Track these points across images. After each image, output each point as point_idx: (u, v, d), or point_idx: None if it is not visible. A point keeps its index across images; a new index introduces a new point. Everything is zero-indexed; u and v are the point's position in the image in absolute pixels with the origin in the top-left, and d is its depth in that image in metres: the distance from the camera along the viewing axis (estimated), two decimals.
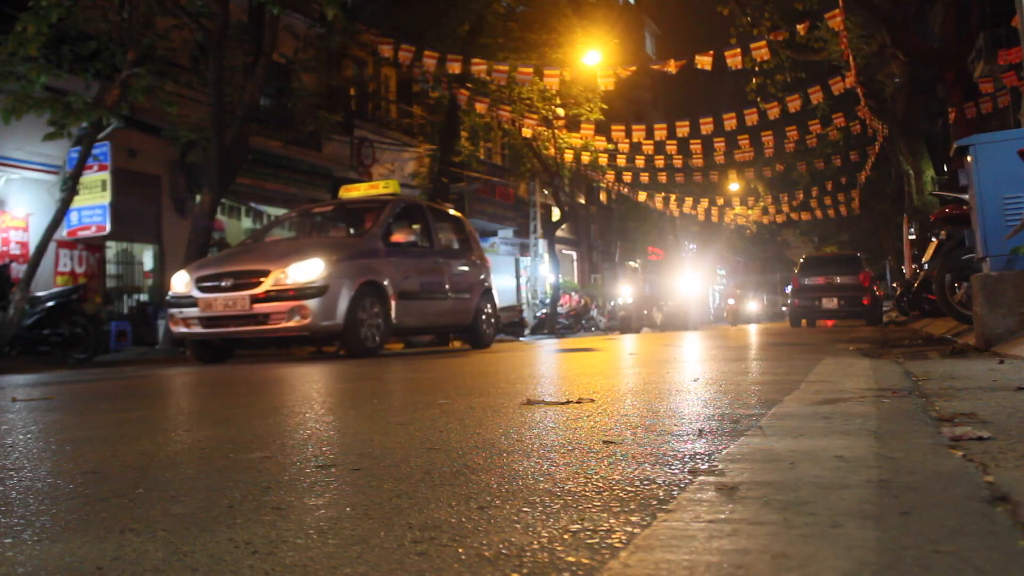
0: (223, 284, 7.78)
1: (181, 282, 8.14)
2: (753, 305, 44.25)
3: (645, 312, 24.78)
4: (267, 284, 7.60)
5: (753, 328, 21.63)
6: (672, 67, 14.63)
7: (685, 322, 27.37)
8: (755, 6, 17.25)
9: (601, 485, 1.39)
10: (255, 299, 7.58)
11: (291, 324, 7.56)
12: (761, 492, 1.23)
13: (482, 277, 10.32)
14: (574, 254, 31.90)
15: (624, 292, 25.02)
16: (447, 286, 9.46)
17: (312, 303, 7.54)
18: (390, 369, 5.71)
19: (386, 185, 10.20)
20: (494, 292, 10.71)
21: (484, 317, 10.24)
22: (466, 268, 10.01)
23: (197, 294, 7.87)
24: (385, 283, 8.31)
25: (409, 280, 8.74)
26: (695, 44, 18.00)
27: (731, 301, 34.84)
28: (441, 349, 11.27)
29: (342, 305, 7.71)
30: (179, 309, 8.02)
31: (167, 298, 8.35)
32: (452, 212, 11.05)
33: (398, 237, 8.81)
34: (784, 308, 42.56)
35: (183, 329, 8.05)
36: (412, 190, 20.05)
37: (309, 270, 7.66)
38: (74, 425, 2.76)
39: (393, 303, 8.39)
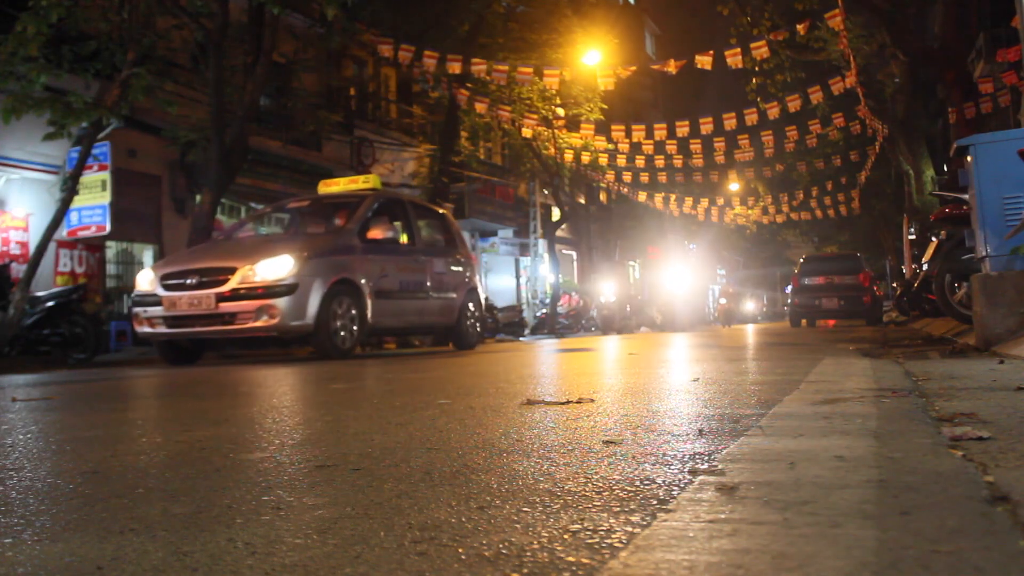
0: (188, 282, 7.47)
1: (146, 280, 7.83)
2: (751, 305, 43.72)
3: (628, 308, 24.41)
4: (233, 282, 7.30)
5: (749, 328, 21.62)
6: (672, 67, 14.64)
7: (674, 322, 26.51)
8: (755, 6, 17.27)
9: (601, 485, 1.39)
10: (221, 298, 7.27)
11: (258, 324, 7.25)
12: (761, 492, 1.23)
13: (467, 276, 9.96)
14: (574, 254, 31.90)
15: (606, 290, 24.08)
16: (429, 285, 9.14)
17: (280, 302, 7.23)
18: (388, 370, 5.71)
19: (366, 180, 9.81)
20: (480, 291, 10.36)
21: (469, 317, 9.90)
22: (450, 266, 9.66)
23: (161, 292, 7.55)
24: (361, 281, 7.99)
25: (387, 278, 8.43)
26: (695, 44, 18.02)
27: (723, 301, 32.59)
28: (438, 350, 11.25)
29: (313, 304, 7.39)
30: (143, 308, 7.68)
31: (132, 297, 8.02)
32: (436, 208, 10.75)
33: (376, 233, 8.49)
34: (786, 308, 41.31)
35: (147, 329, 7.71)
36: (412, 190, 20.07)
37: (278, 267, 7.36)
38: (74, 425, 2.76)
39: (369, 302, 8.07)
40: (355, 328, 7.91)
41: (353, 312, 7.88)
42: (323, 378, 4.86)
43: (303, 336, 7.73)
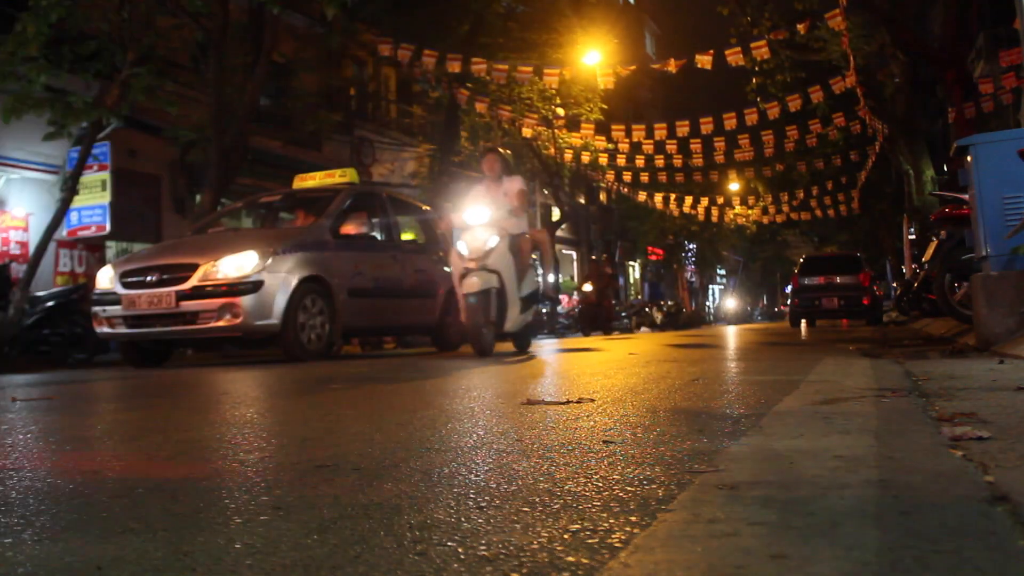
0: (148, 279, 7.11)
1: (106, 277, 7.47)
2: (731, 303, 42.09)
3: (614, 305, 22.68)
4: (195, 279, 6.93)
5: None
6: (672, 67, 14.65)
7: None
8: (755, 6, 17.25)
9: (601, 485, 1.39)
10: (181, 296, 6.91)
11: (221, 324, 6.87)
12: (761, 492, 1.23)
13: (451, 274, 9.76)
14: (574, 254, 31.91)
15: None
16: (408, 283, 8.67)
17: (244, 300, 6.85)
18: (386, 370, 5.71)
19: (343, 174, 9.37)
20: None
21: (452, 317, 9.29)
22: (432, 264, 9.16)
23: (121, 290, 7.19)
24: (332, 279, 7.58)
25: (361, 276, 7.99)
26: (695, 44, 18.00)
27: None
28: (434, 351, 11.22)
29: (279, 303, 7.00)
30: (102, 307, 7.32)
31: (92, 296, 7.71)
32: (418, 204, 10.43)
33: (349, 228, 8.11)
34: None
35: (107, 329, 7.36)
36: (412, 190, 20.06)
37: (242, 264, 6.98)
38: (74, 425, 2.76)
39: (341, 301, 7.65)
40: (325, 328, 7.51)
41: (323, 311, 7.48)
42: (323, 380, 4.85)
43: (269, 337, 7.29)
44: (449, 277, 9.54)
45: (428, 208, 10.39)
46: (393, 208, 9.17)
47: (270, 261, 7.10)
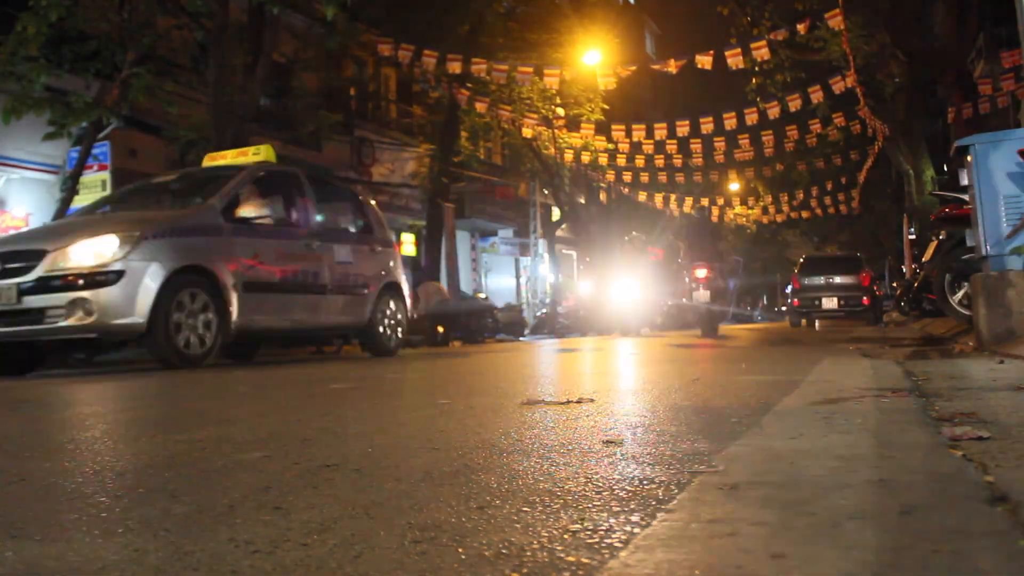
0: None
1: None
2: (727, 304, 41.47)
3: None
4: (41, 269, 5.77)
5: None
6: (672, 67, 14.63)
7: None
8: (755, 6, 17.27)
9: (601, 485, 1.39)
10: (24, 289, 5.76)
11: (71, 322, 5.70)
12: (761, 492, 1.23)
13: (385, 267, 8.30)
14: (574, 254, 31.88)
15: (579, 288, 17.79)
16: (327, 277, 7.47)
17: (99, 294, 5.69)
18: (384, 370, 5.71)
19: (257, 151, 8.00)
20: (404, 286, 8.66)
21: (387, 317, 8.24)
22: (360, 256, 8.00)
23: None
24: (220, 269, 6.36)
25: (262, 267, 6.81)
26: (695, 44, 18.02)
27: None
28: (433, 351, 11.22)
29: (145, 297, 5.81)
30: None
31: None
32: (346, 187, 9.40)
33: (248, 211, 6.79)
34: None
35: None
36: (412, 190, 20.06)
37: (98, 250, 5.81)
38: (74, 425, 2.76)
39: (234, 296, 6.42)
40: (211, 329, 6.28)
41: (207, 308, 6.27)
42: (322, 380, 4.85)
43: (133, 338, 6.19)
44: (385, 271, 8.34)
45: (358, 192, 9.32)
46: (318, 192, 7.93)
47: (135, 247, 5.91)
